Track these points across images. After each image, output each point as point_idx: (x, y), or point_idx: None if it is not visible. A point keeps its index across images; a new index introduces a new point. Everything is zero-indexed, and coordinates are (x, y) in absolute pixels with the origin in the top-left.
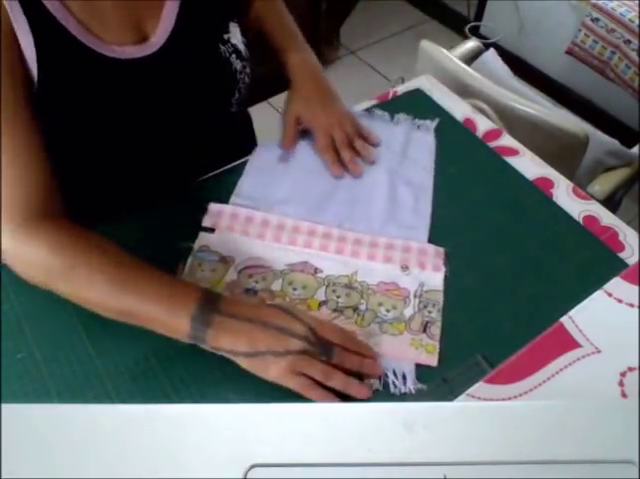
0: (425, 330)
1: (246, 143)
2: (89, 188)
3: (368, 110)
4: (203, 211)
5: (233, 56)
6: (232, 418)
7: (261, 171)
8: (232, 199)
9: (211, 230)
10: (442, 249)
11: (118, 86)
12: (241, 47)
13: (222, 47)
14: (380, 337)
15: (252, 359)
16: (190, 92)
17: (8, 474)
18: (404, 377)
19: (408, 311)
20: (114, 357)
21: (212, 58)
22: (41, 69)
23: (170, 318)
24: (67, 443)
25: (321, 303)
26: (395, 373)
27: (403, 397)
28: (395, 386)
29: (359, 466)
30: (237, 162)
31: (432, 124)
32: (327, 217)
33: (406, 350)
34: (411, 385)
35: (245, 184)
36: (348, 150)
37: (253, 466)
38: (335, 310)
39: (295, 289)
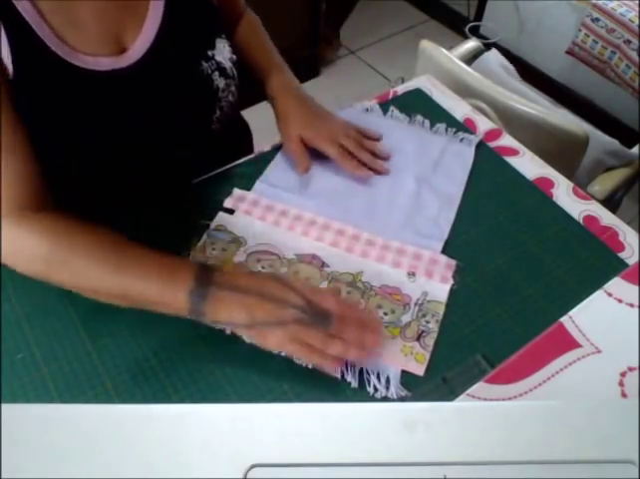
0: (419, 339)
1: (243, 150)
2: (77, 189)
3: (409, 115)
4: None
5: (216, 73)
6: (232, 418)
7: (289, 161)
8: (257, 183)
9: (231, 211)
10: (453, 262)
11: (92, 98)
12: (227, 64)
13: (205, 64)
14: None
15: (251, 330)
16: (169, 107)
17: (8, 474)
18: (387, 381)
19: (405, 318)
20: (114, 357)
21: (192, 74)
22: (16, 69)
23: (168, 295)
24: (67, 443)
25: None
26: (379, 376)
27: (402, 397)
28: (376, 389)
29: (359, 466)
30: (250, 156)
31: (475, 139)
32: (345, 213)
33: (395, 355)
34: (394, 390)
35: (273, 171)
36: (364, 151)
37: (253, 466)
38: None
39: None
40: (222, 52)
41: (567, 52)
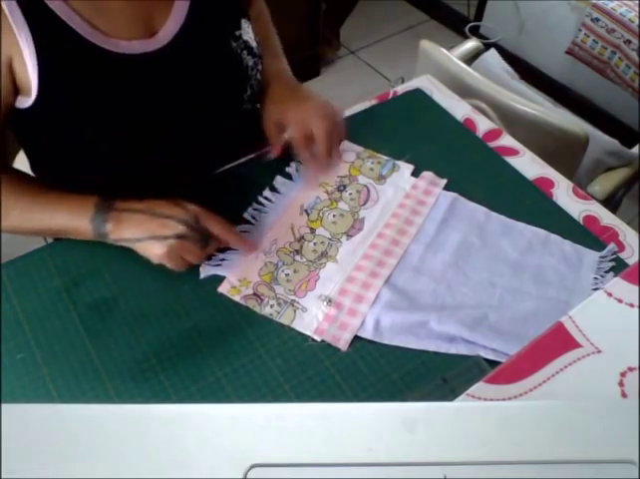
0: None
1: (258, 141)
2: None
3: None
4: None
5: (245, 52)
6: (232, 418)
7: None
8: None
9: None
10: None
11: (126, 82)
12: (253, 44)
13: (234, 43)
14: None
15: (141, 244)
16: (202, 87)
17: (8, 474)
18: None
19: None
20: (114, 357)
21: (223, 53)
22: (42, 73)
23: (74, 224)
24: (67, 443)
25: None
26: None
27: (403, 397)
28: None
29: (359, 466)
30: (251, 156)
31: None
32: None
33: None
34: None
35: None
36: (326, 145)
37: (253, 466)
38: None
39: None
40: (248, 32)
41: (567, 52)
